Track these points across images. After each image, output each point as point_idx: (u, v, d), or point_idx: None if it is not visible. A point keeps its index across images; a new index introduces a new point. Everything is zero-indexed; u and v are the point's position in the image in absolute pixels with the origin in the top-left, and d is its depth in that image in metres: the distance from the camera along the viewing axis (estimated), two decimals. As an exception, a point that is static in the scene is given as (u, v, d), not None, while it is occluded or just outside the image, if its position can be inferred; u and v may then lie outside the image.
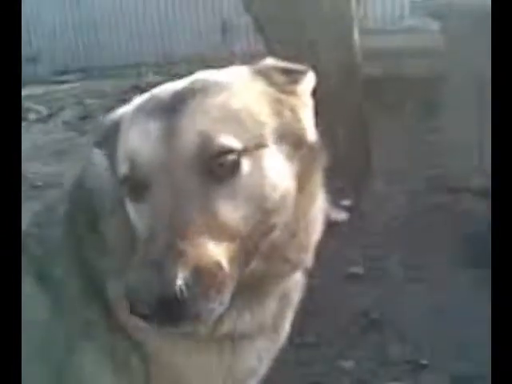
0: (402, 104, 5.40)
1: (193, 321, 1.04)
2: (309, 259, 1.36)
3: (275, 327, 1.40)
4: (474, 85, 3.58)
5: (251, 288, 1.19)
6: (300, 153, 1.23)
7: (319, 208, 1.34)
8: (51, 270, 1.37)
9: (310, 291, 2.79)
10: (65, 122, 7.72)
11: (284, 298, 1.39)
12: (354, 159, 3.99)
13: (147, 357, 1.32)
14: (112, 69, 10.48)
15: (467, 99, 3.75)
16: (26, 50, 12.25)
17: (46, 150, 6.31)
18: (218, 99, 1.16)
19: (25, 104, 9.07)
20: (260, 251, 1.19)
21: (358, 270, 3.24)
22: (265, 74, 1.26)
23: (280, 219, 1.20)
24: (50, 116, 8.05)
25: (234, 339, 1.32)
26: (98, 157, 1.39)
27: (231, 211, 1.10)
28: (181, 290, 0.98)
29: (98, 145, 1.37)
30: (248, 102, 1.19)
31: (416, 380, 2.42)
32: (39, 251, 1.41)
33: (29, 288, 1.36)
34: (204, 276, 1.02)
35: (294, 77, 1.28)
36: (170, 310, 0.99)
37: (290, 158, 1.21)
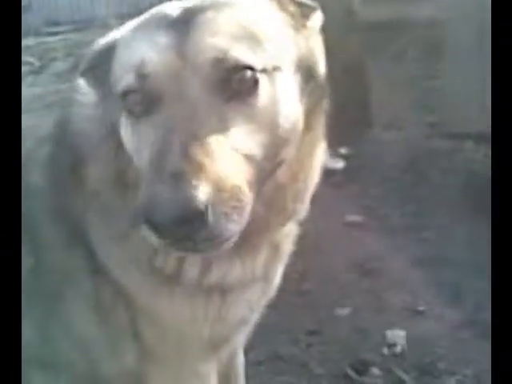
0: (403, 50, 5.30)
1: (214, 242, 0.98)
2: (303, 211, 1.33)
3: (266, 278, 1.38)
4: (476, 30, 3.50)
5: (243, 238, 1.15)
6: (310, 87, 1.19)
7: (320, 156, 1.30)
8: (33, 216, 1.33)
9: (308, 239, 2.84)
10: (56, 74, 7.60)
11: (275, 249, 1.37)
12: (353, 106, 3.94)
13: (132, 303, 1.29)
14: (104, 19, 10.29)
15: (469, 45, 3.66)
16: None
17: (39, 103, 6.21)
18: (234, 15, 1.11)
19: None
20: (264, 192, 1.15)
21: (356, 218, 3.24)
22: (279, 2, 1.20)
23: (287, 153, 1.16)
24: (41, 68, 7.92)
25: (224, 290, 1.29)
26: (83, 97, 1.33)
27: (245, 132, 1.04)
28: (205, 206, 0.92)
29: (85, 74, 1.28)
30: (265, 22, 1.14)
31: (413, 327, 2.43)
32: (24, 197, 1.35)
33: None
34: (227, 195, 0.96)
35: (305, 11, 1.23)
36: (193, 228, 0.92)
37: (301, 90, 1.17)
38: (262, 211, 1.18)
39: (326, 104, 1.29)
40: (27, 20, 11.02)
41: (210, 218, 0.93)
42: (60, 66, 7.89)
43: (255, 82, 1.05)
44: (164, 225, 0.92)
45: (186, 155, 0.95)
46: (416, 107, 4.47)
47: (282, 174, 1.19)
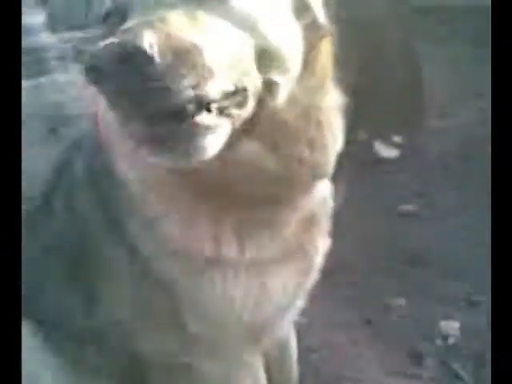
0: (453, 34, 5.15)
1: (166, 100, 0.87)
2: (327, 165, 1.26)
3: (304, 253, 1.34)
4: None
5: (270, 207, 1.14)
6: (305, 20, 1.15)
7: (334, 106, 1.25)
8: (77, 204, 1.37)
9: (360, 228, 2.83)
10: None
11: (309, 220, 1.33)
12: (405, 93, 3.86)
13: (173, 293, 1.29)
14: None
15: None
16: None
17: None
18: None
19: (81, 47, 9.20)
20: (266, 130, 1.11)
21: (409, 207, 3.20)
22: None
23: (280, 73, 1.08)
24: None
25: (261, 267, 1.26)
26: None
27: (215, 26, 0.98)
28: (150, 46, 0.83)
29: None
30: None
31: (468, 317, 2.40)
32: (68, 186, 1.42)
33: (63, 221, 1.41)
34: (177, 44, 0.87)
35: None
36: (138, 73, 0.84)
37: (294, 13, 1.12)
38: (270, 155, 1.14)
39: (329, 48, 1.24)
40: (94, 11, 11.33)
41: (156, 58, 0.83)
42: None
43: None
44: (105, 70, 0.84)
45: (138, 21, 0.90)
46: (467, 92, 4.36)
47: (283, 108, 1.12)
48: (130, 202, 1.28)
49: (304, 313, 1.57)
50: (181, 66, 0.87)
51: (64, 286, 1.42)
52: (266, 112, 1.09)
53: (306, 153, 1.19)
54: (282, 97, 1.11)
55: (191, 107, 0.90)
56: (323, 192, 1.38)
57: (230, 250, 1.25)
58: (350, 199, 2.92)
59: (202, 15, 0.96)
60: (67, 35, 10.54)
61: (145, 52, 0.82)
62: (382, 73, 3.68)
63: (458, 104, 4.29)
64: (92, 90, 0.88)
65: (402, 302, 2.54)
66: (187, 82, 0.87)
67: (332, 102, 1.25)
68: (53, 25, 11.65)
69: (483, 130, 3.81)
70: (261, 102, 1.07)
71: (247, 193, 1.19)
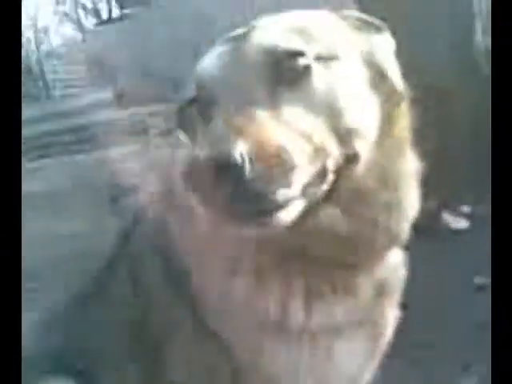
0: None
1: (256, 201, 0.94)
2: (402, 235, 1.24)
3: (373, 321, 1.29)
4: None
5: (341, 272, 1.13)
6: (383, 88, 1.17)
7: (410, 172, 1.24)
8: (143, 273, 1.37)
9: (435, 302, 2.69)
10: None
11: (380, 287, 1.28)
12: (475, 161, 3.77)
13: (235, 359, 1.26)
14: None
15: None
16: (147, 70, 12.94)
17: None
18: (287, 18, 1.16)
19: (146, 120, 9.58)
20: (345, 197, 1.11)
21: (484, 280, 3.02)
22: (345, 18, 1.24)
23: (361, 145, 1.11)
24: (167, 131, 8.34)
25: (329, 334, 1.23)
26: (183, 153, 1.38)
27: (298, 113, 1.03)
28: (241, 156, 0.90)
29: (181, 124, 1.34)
30: (320, 20, 1.18)
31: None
32: (134, 254, 1.42)
33: (122, 287, 1.40)
34: (266, 152, 0.93)
35: (370, 27, 1.25)
36: (230, 178, 0.91)
37: (371, 86, 1.15)
38: (346, 221, 1.13)
39: (407, 114, 1.25)
40: (158, 87, 11.85)
41: (247, 169, 0.90)
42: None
43: (307, 68, 1.06)
44: (201, 181, 0.93)
45: (227, 123, 0.96)
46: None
47: (362, 175, 1.13)
48: (202, 267, 1.28)
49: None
50: (271, 172, 0.93)
51: (127, 355, 1.40)
52: (344, 181, 1.11)
53: (382, 216, 1.18)
54: (360, 164, 1.12)
55: (277, 207, 0.97)
56: (395, 260, 1.34)
57: (297, 316, 1.22)
58: (425, 270, 2.81)
59: (286, 109, 1.03)
60: (132, 110, 11.05)
61: (237, 165, 0.89)
62: (453, 141, 3.62)
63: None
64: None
65: (473, 380, 2.33)
66: (276, 184, 0.94)
67: (409, 166, 1.25)
68: (119, 100, 12.23)
69: None
70: (340, 172, 1.09)
71: (321, 257, 1.18)
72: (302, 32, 1.11)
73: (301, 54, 1.07)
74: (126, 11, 19.29)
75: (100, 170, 6.94)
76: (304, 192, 1.01)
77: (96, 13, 26.46)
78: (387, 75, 1.20)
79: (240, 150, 0.90)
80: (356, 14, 1.28)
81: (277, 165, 0.94)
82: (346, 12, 1.27)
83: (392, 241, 1.24)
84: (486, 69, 3.93)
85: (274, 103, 1.03)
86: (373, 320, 1.30)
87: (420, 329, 2.54)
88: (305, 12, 1.22)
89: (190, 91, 1.16)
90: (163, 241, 1.35)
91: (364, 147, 1.12)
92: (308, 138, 1.01)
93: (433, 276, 2.89)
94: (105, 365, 1.42)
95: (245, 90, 1.05)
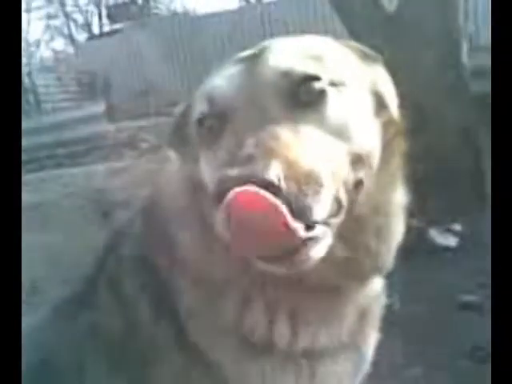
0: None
1: (299, 228, 0.93)
2: (388, 260, 1.27)
3: (355, 346, 1.31)
4: None
5: (328, 297, 1.15)
6: (383, 118, 1.21)
7: (400, 203, 1.28)
8: (124, 288, 1.35)
9: (420, 320, 2.70)
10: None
11: (363, 313, 1.31)
12: (465, 181, 3.80)
13: (220, 377, 1.25)
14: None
15: None
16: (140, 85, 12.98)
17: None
18: (299, 42, 1.19)
19: (137, 135, 9.57)
20: (343, 227, 1.10)
21: (471, 298, 3.03)
22: (348, 47, 1.27)
23: (366, 172, 1.14)
24: (159, 146, 8.34)
25: (313, 358, 1.24)
26: (171, 166, 1.37)
27: (316, 135, 1.05)
28: (278, 178, 0.91)
29: (171, 141, 1.36)
30: (329, 47, 1.21)
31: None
32: (115, 269, 1.40)
33: (107, 307, 1.37)
34: (298, 170, 0.94)
35: (373, 59, 1.30)
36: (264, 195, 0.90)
37: (374, 113, 1.19)
38: (341, 245, 1.15)
39: (402, 145, 1.28)
40: (149, 101, 11.86)
41: (284, 188, 0.91)
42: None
43: (322, 91, 1.09)
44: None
45: (257, 144, 0.96)
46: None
47: (360, 205, 1.16)
48: (190, 282, 1.28)
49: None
50: (304, 190, 0.94)
51: (106, 374, 1.37)
52: (348, 207, 1.11)
53: (373, 243, 1.21)
54: (363, 193, 1.15)
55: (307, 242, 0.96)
56: (377, 287, 1.38)
57: (283, 338, 1.23)
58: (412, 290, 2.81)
59: (304, 129, 1.04)
60: (123, 124, 11.05)
61: (273, 184, 0.90)
62: (441, 161, 3.65)
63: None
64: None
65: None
66: (310, 200, 0.95)
67: (400, 197, 1.29)
68: (110, 114, 12.24)
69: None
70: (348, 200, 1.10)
71: (310, 279, 1.18)
72: (316, 58, 1.13)
73: (317, 78, 1.09)
74: (116, 26, 19.38)
75: (91, 183, 6.91)
76: (329, 223, 1.02)
77: (87, 27, 26.50)
78: (387, 104, 1.23)
79: (275, 169, 0.91)
80: (357, 44, 1.32)
81: (308, 184, 0.95)
82: (348, 42, 1.31)
83: (380, 266, 1.27)
84: (472, 88, 4.00)
85: (292, 124, 1.04)
86: (356, 344, 1.32)
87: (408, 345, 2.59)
88: (314, 37, 1.24)
89: (201, 107, 1.16)
90: (149, 257, 1.34)
91: (368, 175, 1.15)
92: (327, 161, 1.02)
93: (420, 293, 2.91)
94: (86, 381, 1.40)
95: (263, 108, 1.07)
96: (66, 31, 27.47)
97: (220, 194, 0.93)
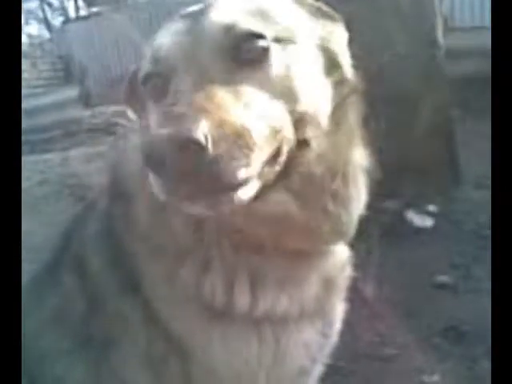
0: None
1: (222, 184, 0.95)
2: (349, 226, 1.26)
3: (320, 316, 1.31)
4: None
5: (288, 261, 1.14)
6: (334, 77, 1.19)
7: (359, 164, 1.26)
8: (89, 266, 1.34)
9: (394, 300, 2.71)
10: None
11: (328, 283, 1.30)
12: (440, 163, 3.81)
13: (184, 353, 1.25)
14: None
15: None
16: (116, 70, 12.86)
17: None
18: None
19: (113, 120, 9.49)
20: (295, 180, 1.12)
21: (445, 279, 3.05)
22: (302, 3, 1.24)
23: (312, 131, 1.13)
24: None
25: (276, 324, 1.23)
26: (132, 141, 1.36)
27: (257, 94, 1.04)
28: (205, 138, 0.90)
29: (127, 99, 1.35)
30: (279, 3, 1.18)
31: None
32: (80, 247, 1.38)
33: (69, 285, 1.36)
34: (228, 130, 0.94)
35: (329, 17, 1.27)
36: (192, 158, 0.90)
37: (325, 72, 1.17)
38: (297, 206, 1.15)
39: (358, 105, 1.27)
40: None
41: (210, 148, 0.90)
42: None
43: (265, 49, 1.07)
44: (162, 158, 0.91)
45: (190, 103, 0.96)
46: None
47: (312, 161, 1.15)
48: (150, 254, 1.27)
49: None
50: (233, 151, 0.93)
51: (71, 354, 1.36)
52: (295, 166, 1.12)
53: (330, 205, 1.20)
54: (311, 151, 1.14)
55: (237, 185, 0.97)
56: (342, 258, 1.38)
57: (243, 301, 1.22)
58: (386, 268, 2.82)
59: (244, 88, 1.03)
60: (99, 109, 10.94)
61: (200, 144, 0.89)
62: (415, 142, 3.66)
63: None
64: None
65: (435, 378, 2.36)
66: (237, 163, 0.94)
67: (358, 159, 1.27)
68: (86, 99, 12.11)
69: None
70: (292, 158, 1.10)
71: (269, 242, 1.19)
72: (261, 14, 1.11)
73: (260, 36, 1.07)
74: (93, 9, 19.09)
75: (67, 169, 6.86)
76: (259, 173, 1.01)
77: (63, 11, 26.11)
78: (340, 63, 1.22)
79: (203, 128, 0.90)
80: (313, 1, 1.29)
81: (238, 144, 0.94)
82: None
83: (340, 231, 1.25)
84: (447, 69, 4.00)
85: (232, 82, 1.03)
86: (322, 314, 1.32)
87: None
88: None
89: (146, 66, 1.15)
90: (111, 232, 1.33)
91: (315, 134, 1.13)
92: (266, 120, 1.02)
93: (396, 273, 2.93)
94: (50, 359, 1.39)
95: (203, 67, 1.05)
96: (40, 15, 27.08)
97: (148, 157, 0.93)
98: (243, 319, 1.22)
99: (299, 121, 1.10)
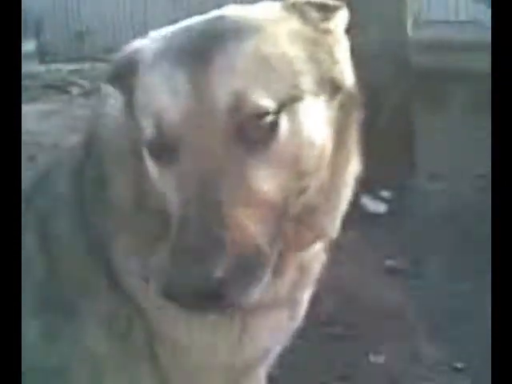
0: (452, 98, 5.26)
1: (228, 307, 0.98)
2: (334, 228, 1.26)
3: (291, 303, 1.32)
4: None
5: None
6: (337, 100, 1.14)
7: (354, 170, 1.24)
8: (54, 227, 1.31)
9: (344, 281, 2.79)
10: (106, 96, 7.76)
11: (302, 271, 1.30)
12: (398, 150, 3.90)
13: (148, 325, 1.26)
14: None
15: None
16: (75, 26, 12.48)
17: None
18: (250, 45, 1.04)
19: (69, 78, 9.25)
20: (290, 215, 1.10)
21: (395, 263, 3.15)
22: (299, 10, 1.15)
23: (315, 181, 1.12)
24: (92, 91, 8.11)
25: (245, 312, 1.22)
26: (111, 106, 1.30)
27: (267, 180, 1.01)
28: (221, 283, 0.90)
29: (112, 82, 1.25)
30: (282, 45, 1.07)
31: (449, 382, 2.32)
32: (44, 207, 1.35)
33: (30, 245, 1.32)
34: (247, 265, 0.94)
35: (327, 13, 1.17)
36: (208, 301, 0.92)
37: (327, 107, 1.11)
38: (291, 229, 1.14)
39: (359, 114, 1.24)
40: (84, 45, 11.41)
41: (228, 291, 0.92)
42: (111, 89, 8.08)
43: (273, 124, 1.01)
44: (180, 300, 0.94)
45: (204, 230, 0.94)
46: (464, 159, 4.40)
47: (313, 196, 1.14)
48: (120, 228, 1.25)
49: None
50: (248, 283, 0.96)
51: (27, 317, 1.30)
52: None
53: (321, 220, 1.21)
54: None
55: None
56: (319, 245, 1.35)
57: None
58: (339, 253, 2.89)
59: (255, 183, 1.00)
60: (55, 66, 10.63)
61: (217, 294, 0.91)
62: (375, 130, 3.73)
63: (451, 169, 4.33)
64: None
65: (381, 359, 2.47)
66: (249, 286, 0.96)
67: (355, 165, 1.25)
68: (42, 55, 11.74)
69: (480, 196, 3.88)
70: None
71: None
72: (265, 69, 1.03)
73: (267, 112, 1.00)
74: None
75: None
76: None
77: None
78: (343, 83, 1.16)
79: (221, 275, 0.90)
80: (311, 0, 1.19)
81: (256, 273, 0.97)
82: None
83: (323, 236, 1.26)
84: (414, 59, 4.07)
85: (242, 171, 0.99)
86: (293, 300, 1.33)
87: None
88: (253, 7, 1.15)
89: (148, 133, 1.06)
90: (82, 195, 1.30)
91: (318, 179, 1.12)
92: (272, 208, 1.01)
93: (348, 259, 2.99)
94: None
95: (209, 146, 0.99)
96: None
97: (166, 295, 0.95)
98: None
99: (303, 179, 1.08)
